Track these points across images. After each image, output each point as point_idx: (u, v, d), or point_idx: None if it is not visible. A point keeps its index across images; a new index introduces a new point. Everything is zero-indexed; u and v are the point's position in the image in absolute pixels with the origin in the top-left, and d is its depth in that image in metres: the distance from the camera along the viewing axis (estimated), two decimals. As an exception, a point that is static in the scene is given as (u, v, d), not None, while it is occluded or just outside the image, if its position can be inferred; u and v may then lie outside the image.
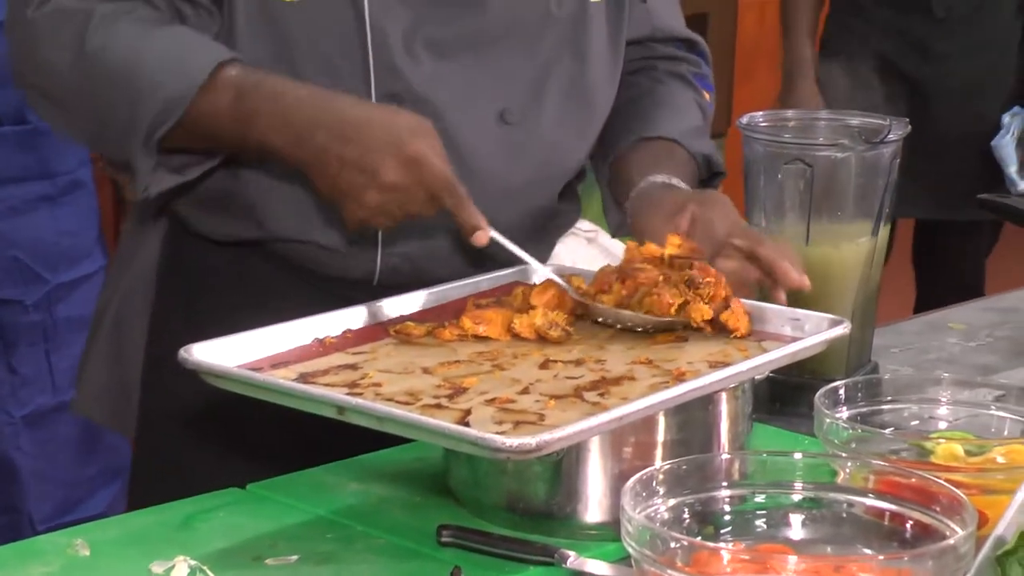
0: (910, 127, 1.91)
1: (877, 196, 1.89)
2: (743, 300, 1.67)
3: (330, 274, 1.85)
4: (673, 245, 1.70)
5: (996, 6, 3.67)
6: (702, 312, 1.64)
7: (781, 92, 3.80)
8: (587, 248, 2.39)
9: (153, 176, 1.76)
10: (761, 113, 1.95)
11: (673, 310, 1.64)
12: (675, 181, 1.87)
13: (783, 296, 1.71)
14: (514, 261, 1.76)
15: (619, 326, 1.67)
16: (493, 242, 1.70)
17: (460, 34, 1.81)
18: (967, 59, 3.65)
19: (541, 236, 1.93)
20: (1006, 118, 3.67)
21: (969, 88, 3.66)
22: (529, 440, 1.35)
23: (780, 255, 1.72)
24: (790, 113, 2.01)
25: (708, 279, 1.64)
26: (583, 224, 2.35)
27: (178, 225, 1.91)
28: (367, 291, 1.79)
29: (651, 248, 1.71)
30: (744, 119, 1.92)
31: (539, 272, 1.76)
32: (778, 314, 1.68)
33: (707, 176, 2.00)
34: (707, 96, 2.07)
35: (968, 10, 3.63)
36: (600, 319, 1.68)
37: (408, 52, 1.79)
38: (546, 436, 1.35)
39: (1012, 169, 3.65)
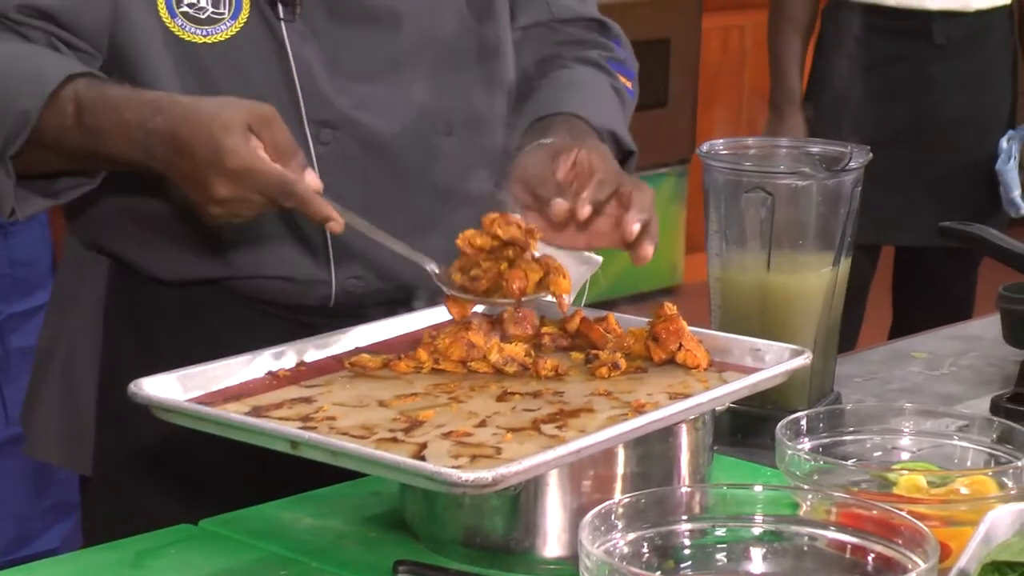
0: (871, 155, 1.89)
1: (839, 225, 1.88)
2: (696, 332, 1.65)
3: (286, 303, 1.83)
4: (499, 227, 1.66)
5: (990, 32, 3.67)
6: (560, 286, 1.64)
7: (768, 123, 3.79)
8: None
9: (19, 199, 1.70)
10: (722, 141, 1.94)
11: (530, 289, 1.63)
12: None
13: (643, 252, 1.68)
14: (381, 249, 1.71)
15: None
16: (350, 228, 1.64)
17: (380, 58, 1.81)
18: (965, 86, 3.65)
19: None
20: (1003, 143, 3.68)
21: (967, 115, 3.66)
22: (485, 474, 1.32)
23: (635, 215, 1.67)
24: (750, 141, 1.99)
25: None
26: None
27: (122, 265, 1.87)
28: (323, 316, 1.78)
29: (477, 240, 1.68)
30: (704, 147, 1.91)
31: (414, 258, 1.70)
32: (739, 344, 1.67)
33: (617, 156, 1.89)
34: (624, 80, 2.01)
35: (966, 36, 3.64)
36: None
37: (334, 80, 1.79)
38: (503, 470, 1.33)
39: (1016, 193, 3.66)
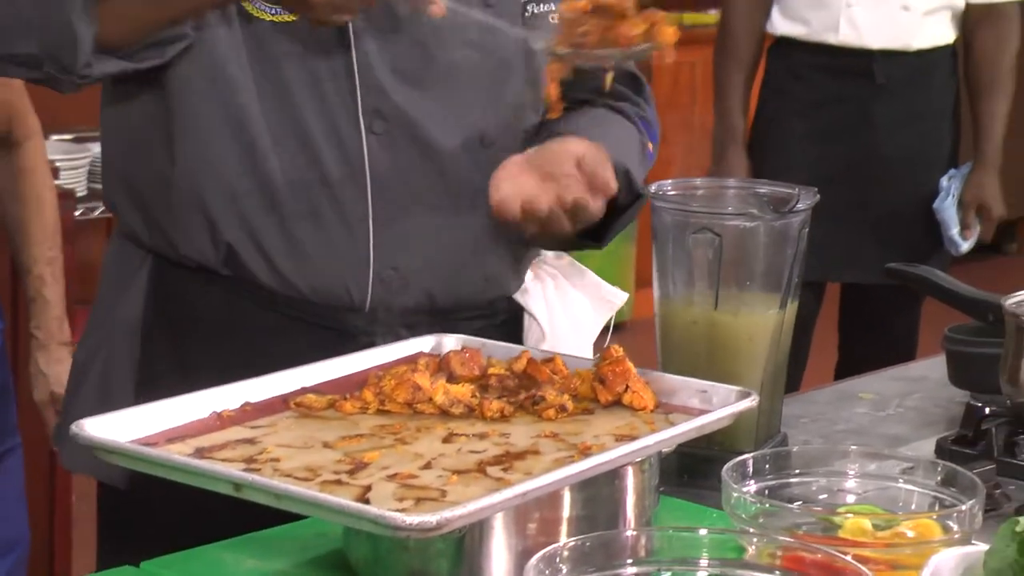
0: (819, 196, 1.90)
1: (786, 265, 1.88)
2: (645, 373, 1.65)
3: (323, 300, 1.88)
4: None
5: (932, 72, 3.70)
6: (665, 35, 1.69)
7: (712, 161, 3.80)
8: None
9: (97, 56, 1.77)
10: (670, 181, 1.94)
11: (639, 38, 1.66)
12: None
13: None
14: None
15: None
16: (452, 11, 1.76)
17: (432, 69, 1.88)
18: (907, 125, 3.68)
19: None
20: (944, 181, 3.70)
21: (910, 154, 3.69)
22: (430, 518, 1.32)
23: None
24: (698, 181, 2.00)
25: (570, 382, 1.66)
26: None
27: (165, 267, 1.91)
28: (358, 320, 1.85)
29: (579, 2, 1.73)
30: (653, 187, 1.91)
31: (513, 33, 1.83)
32: (685, 386, 1.67)
33: (628, 197, 1.93)
34: (649, 145, 2.06)
35: (907, 75, 3.66)
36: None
37: (391, 73, 1.87)
38: (447, 514, 1.33)
39: (954, 231, 3.69)
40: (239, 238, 1.87)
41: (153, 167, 1.90)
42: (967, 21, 3.73)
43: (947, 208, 3.69)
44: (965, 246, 3.74)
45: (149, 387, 1.87)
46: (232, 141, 1.85)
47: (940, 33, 3.70)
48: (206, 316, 1.91)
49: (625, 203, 1.93)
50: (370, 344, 1.83)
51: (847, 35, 3.64)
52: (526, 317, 2.08)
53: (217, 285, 1.90)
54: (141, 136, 1.92)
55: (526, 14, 1.95)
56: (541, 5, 1.96)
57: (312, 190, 1.86)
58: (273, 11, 1.83)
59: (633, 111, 2.05)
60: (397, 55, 1.87)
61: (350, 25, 1.84)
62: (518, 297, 2.05)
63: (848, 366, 3.74)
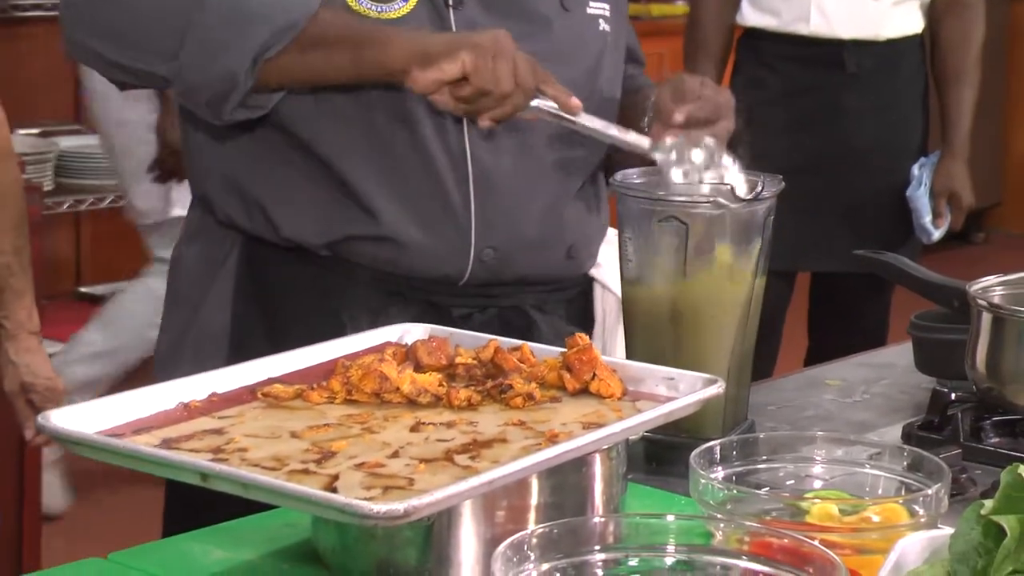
0: (784, 184, 1.90)
1: (752, 253, 1.88)
2: (609, 361, 1.66)
3: (420, 274, 1.95)
4: None
5: (901, 61, 3.71)
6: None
7: None
8: None
9: (243, 101, 1.88)
10: (635, 170, 1.95)
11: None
12: None
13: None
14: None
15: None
16: (586, 123, 1.89)
17: (530, 50, 1.90)
18: (878, 114, 3.68)
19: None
20: (915, 169, 3.71)
21: (880, 143, 3.69)
22: (397, 506, 1.32)
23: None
24: (664, 170, 2.00)
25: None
26: None
27: (257, 245, 1.97)
28: (452, 295, 1.94)
29: None
30: (618, 176, 1.92)
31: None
32: (652, 374, 1.67)
33: None
34: None
35: (877, 65, 3.67)
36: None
37: None
38: (415, 501, 1.32)
39: (927, 220, 3.70)
40: (343, 217, 1.94)
41: (265, 156, 1.97)
42: (933, 11, 3.74)
43: (920, 197, 3.70)
44: (937, 234, 3.75)
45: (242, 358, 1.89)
46: (346, 127, 1.94)
47: (909, 23, 3.71)
48: (299, 292, 1.97)
49: None
50: (467, 318, 1.96)
51: (818, 25, 3.65)
52: (597, 288, 2.18)
53: (313, 264, 1.96)
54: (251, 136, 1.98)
55: (599, 27, 2.06)
56: (605, 24, 2.07)
57: (417, 176, 1.94)
58: (380, 8, 1.90)
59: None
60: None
61: (453, 21, 1.93)
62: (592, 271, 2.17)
63: (818, 355, 3.74)
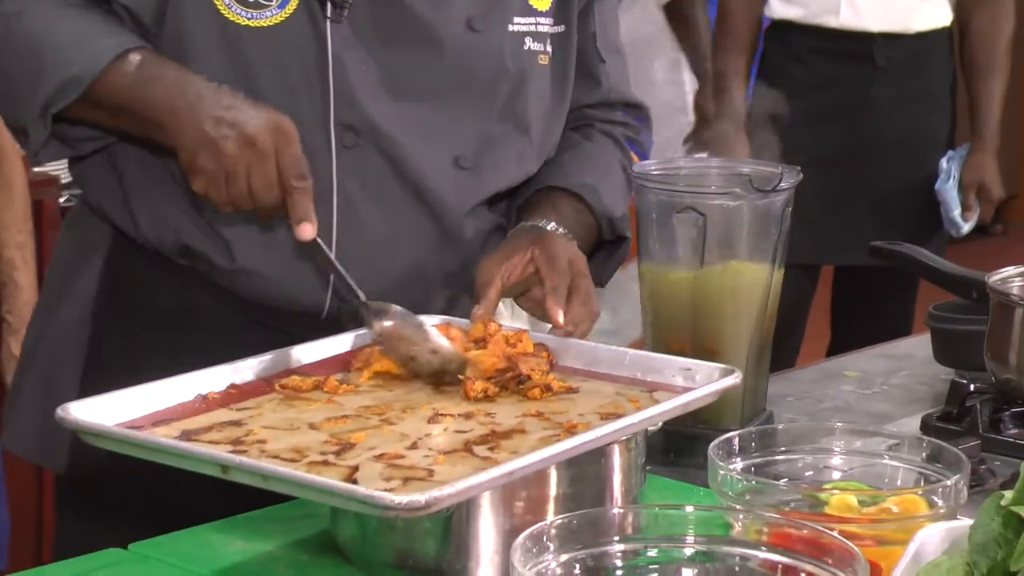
0: (803, 176, 1.90)
1: (770, 244, 1.88)
2: (633, 352, 1.66)
3: (279, 306, 1.85)
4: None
5: (931, 54, 3.70)
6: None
7: (713, 143, 3.80)
8: None
9: (45, 146, 1.79)
10: (654, 161, 1.95)
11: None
12: (553, 226, 1.87)
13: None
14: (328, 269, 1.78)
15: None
16: (316, 244, 1.71)
17: (417, 81, 1.84)
18: (906, 107, 3.68)
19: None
20: (943, 163, 3.70)
21: (909, 136, 3.69)
22: (419, 497, 1.32)
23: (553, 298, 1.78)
24: (682, 161, 2.01)
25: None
26: None
27: (122, 248, 1.89)
28: (312, 328, 1.78)
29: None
30: (636, 167, 1.92)
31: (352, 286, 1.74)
32: (669, 364, 1.67)
33: (611, 238, 1.99)
34: (636, 159, 2.07)
35: (907, 57, 3.66)
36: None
37: (367, 88, 1.82)
38: (436, 493, 1.32)
39: (956, 213, 3.69)
40: (198, 237, 1.84)
41: (131, 152, 1.88)
42: (962, 3, 3.73)
43: (949, 190, 3.69)
44: (966, 227, 3.74)
45: (96, 374, 1.86)
46: None
47: (938, 15, 3.71)
48: (159, 303, 1.88)
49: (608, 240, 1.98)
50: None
51: (848, 18, 3.64)
52: None
53: (172, 274, 1.87)
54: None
55: (523, 47, 1.91)
56: (535, 43, 1.92)
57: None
58: (250, 15, 1.80)
59: (624, 135, 2.07)
60: (376, 65, 1.83)
61: (329, 35, 1.80)
62: None
63: (841, 349, 3.73)
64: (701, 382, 1.63)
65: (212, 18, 1.79)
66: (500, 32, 1.89)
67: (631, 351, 1.68)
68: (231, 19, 1.80)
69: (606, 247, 1.99)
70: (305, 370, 1.66)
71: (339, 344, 1.72)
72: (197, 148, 1.69)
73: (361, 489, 1.35)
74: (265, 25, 1.80)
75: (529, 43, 1.91)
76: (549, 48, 1.93)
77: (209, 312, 1.86)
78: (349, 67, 1.81)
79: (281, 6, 1.80)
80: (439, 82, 1.85)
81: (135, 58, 1.75)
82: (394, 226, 1.85)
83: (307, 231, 1.69)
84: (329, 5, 1.80)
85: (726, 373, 1.63)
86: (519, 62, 1.90)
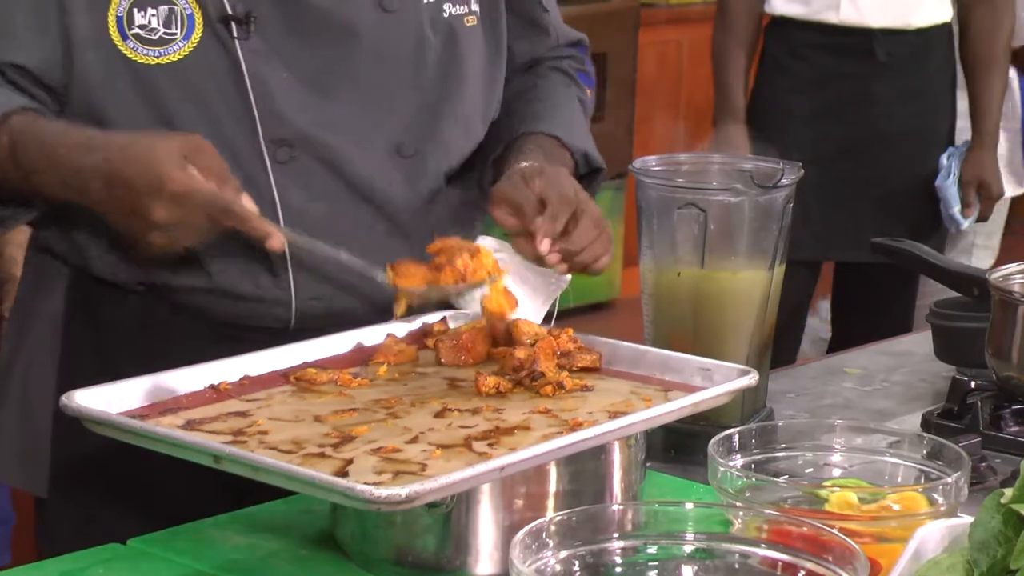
0: (804, 172, 1.90)
1: (771, 240, 1.88)
2: (654, 351, 1.68)
3: (246, 323, 1.82)
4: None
5: (931, 50, 3.70)
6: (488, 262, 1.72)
7: (712, 138, 3.80)
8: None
9: None
10: (654, 157, 1.94)
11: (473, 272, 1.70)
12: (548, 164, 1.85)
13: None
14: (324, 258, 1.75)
15: None
16: (293, 245, 1.70)
17: (338, 70, 1.81)
18: (907, 103, 3.67)
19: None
20: (944, 159, 3.70)
21: (909, 132, 3.68)
22: (399, 491, 1.32)
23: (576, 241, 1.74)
24: (683, 157, 2.00)
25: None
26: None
27: (83, 274, 1.85)
28: (282, 339, 1.74)
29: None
30: (637, 163, 1.91)
31: (358, 268, 1.73)
32: (689, 364, 1.66)
33: (586, 172, 1.97)
34: (588, 92, 2.07)
35: (907, 53, 3.66)
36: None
37: (291, 97, 1.78)
38: (417, 487, 1.33)
39: (955, 209, 3.68)
40: (153, 271, 1.81)
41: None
42: None
43: (948, 186, 3.69)
44: (965, 224, 3.74)
45: (72, 378, 1.80)
46: None
47: (938, 11, 3.70)
48: (124, 320, 1.85)
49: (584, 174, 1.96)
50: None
51: (848, 14, 3.64)
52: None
53: (134, 298, 1.84)
54: None
55: (443, 15, 1.88)
56: (457, 6, 1.90)
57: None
58: (157, 53, 1.75)
59: (572, 67, 2.06)
60: (296, 68, 1.79)
61: (240, 54, 1.76)
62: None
63: (842, 346, 3.73)
64: (719, 382, 1.62)
65: (120, 65, 1.75)
66: (414, 6, 1.86)
67: (651, 349, 1.68)
68: (140, 61, 1.75)
69: (582, 181, 1.95)
70: (321, 363, 1.67)
71: (355, 338, 1.73)
72: (132, 239, 1.68)
73: (343, 481, 1.35)
74: (175, 60, 1.76)
75: (449, 8, 1.89)
76: (476, 7, 1.91)
77: (179, 329, 1.83)
78: (268, 80, 1.78)
79: (187, 37, 1.76)
80: (363, 71, 1.82)
81: (12, 126, 1.70)
82: (347, 232, 1.79)
83: (275, 244, 1.67)
84: (234, 24, 1.76)
85: (742, 373, 1.62)
86: (441, 29, 1.88)
